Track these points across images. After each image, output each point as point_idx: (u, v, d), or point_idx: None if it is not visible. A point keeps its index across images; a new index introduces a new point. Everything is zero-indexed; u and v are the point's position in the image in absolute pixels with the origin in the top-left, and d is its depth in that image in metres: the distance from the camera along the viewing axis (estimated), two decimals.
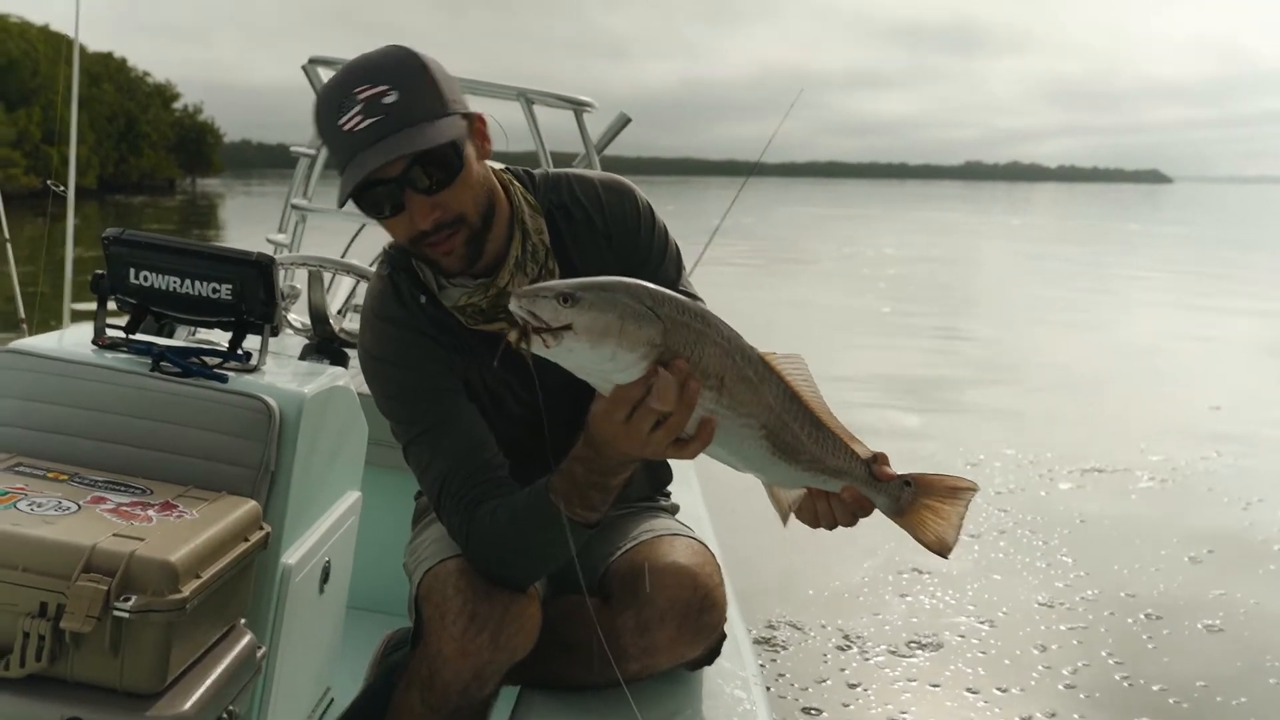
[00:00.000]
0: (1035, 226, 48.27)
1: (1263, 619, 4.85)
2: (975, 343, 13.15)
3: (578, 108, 4.05)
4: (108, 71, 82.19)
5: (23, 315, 4.11)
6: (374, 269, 2.13)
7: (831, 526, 1.79)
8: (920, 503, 1.76)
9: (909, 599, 4.93)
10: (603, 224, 2.07)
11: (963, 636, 4.56)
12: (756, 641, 4.37)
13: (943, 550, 1.77)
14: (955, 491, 1.77)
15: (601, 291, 1.54)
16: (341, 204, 1.84)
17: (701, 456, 1.71)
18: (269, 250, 3.87)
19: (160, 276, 2.11)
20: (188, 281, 2.10)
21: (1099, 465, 7.37)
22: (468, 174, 1.86)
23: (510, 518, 1.86)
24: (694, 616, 1.98)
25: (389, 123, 1.78)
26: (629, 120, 4.18)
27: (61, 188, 2.84)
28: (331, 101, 1.83)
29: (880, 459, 1.75)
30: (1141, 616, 4.83)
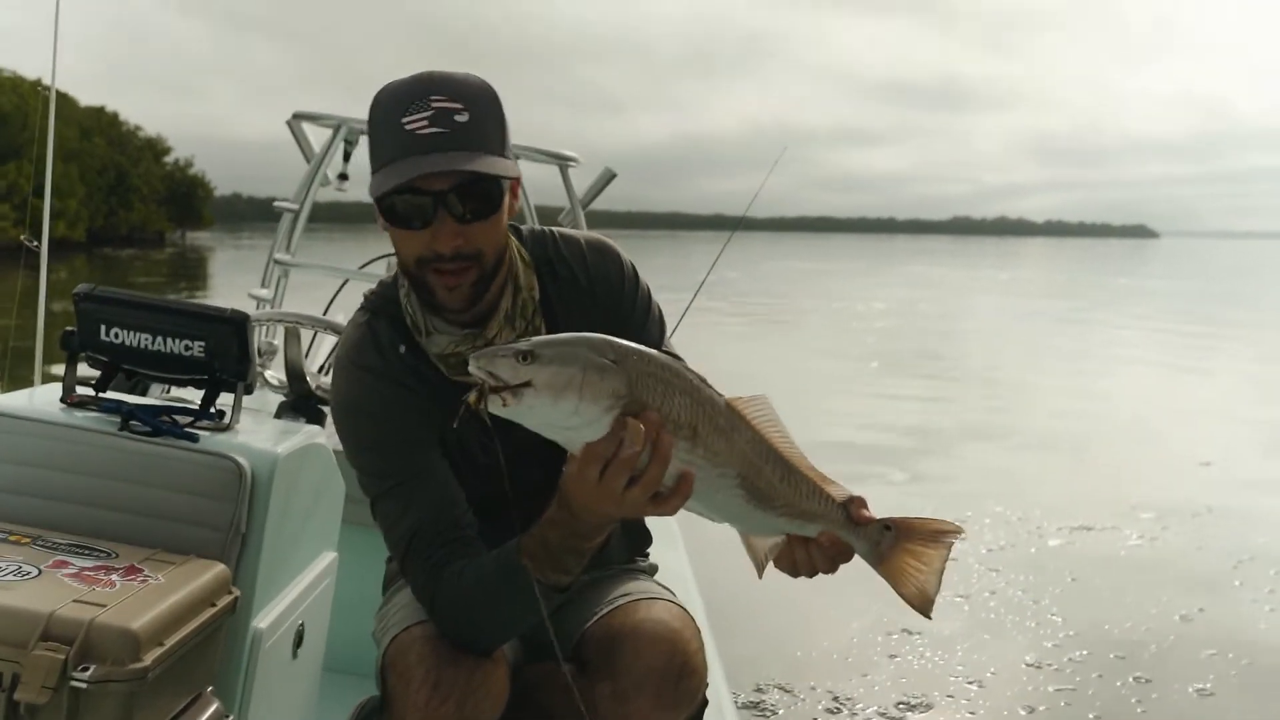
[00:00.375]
0: (1023, 281, 48.46)
1: (1255, 683, 4.76)
2: (963, 398, 13.13)
3: (562, 162, 4.04)
4: (99, 125, 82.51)
5: None
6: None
7: (812, 574, 1.74)
8: (901, 547, 1.69)
9: (898, 659, 4.87)
10: (587, 282, 2.05)
11: (951, 697, 4.50)
12: (745, 706, 4.30)
13: (924, 605, 1.70)
14: (938, 535, 1.70)
15: (561, 346, 1.51)
16: (374, 195, 1.82)
17: (683, 513, 1.67)
18: (251, 305, 3.83)
19: (131, 333, 2.06)
20: (159, 339, 2.06)
21: (1088, 523, 7.32)
22: (500, 217, 1.86)
23: (478, 579, 1.81)
24: (672, 683, 1.91)
25: (453, 138, 1.77)
26: (614, 175, 4.17)
27: (36, 243, 2.80)
28: (402, 98, 1.80)
29: (857, 502, 1.70)
30: (1130, 680, 4.75)
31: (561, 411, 1.49)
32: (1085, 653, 5.03)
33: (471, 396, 1.49)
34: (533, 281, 2.00)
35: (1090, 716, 4.39)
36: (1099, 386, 14.57)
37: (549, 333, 1.97)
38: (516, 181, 1.92)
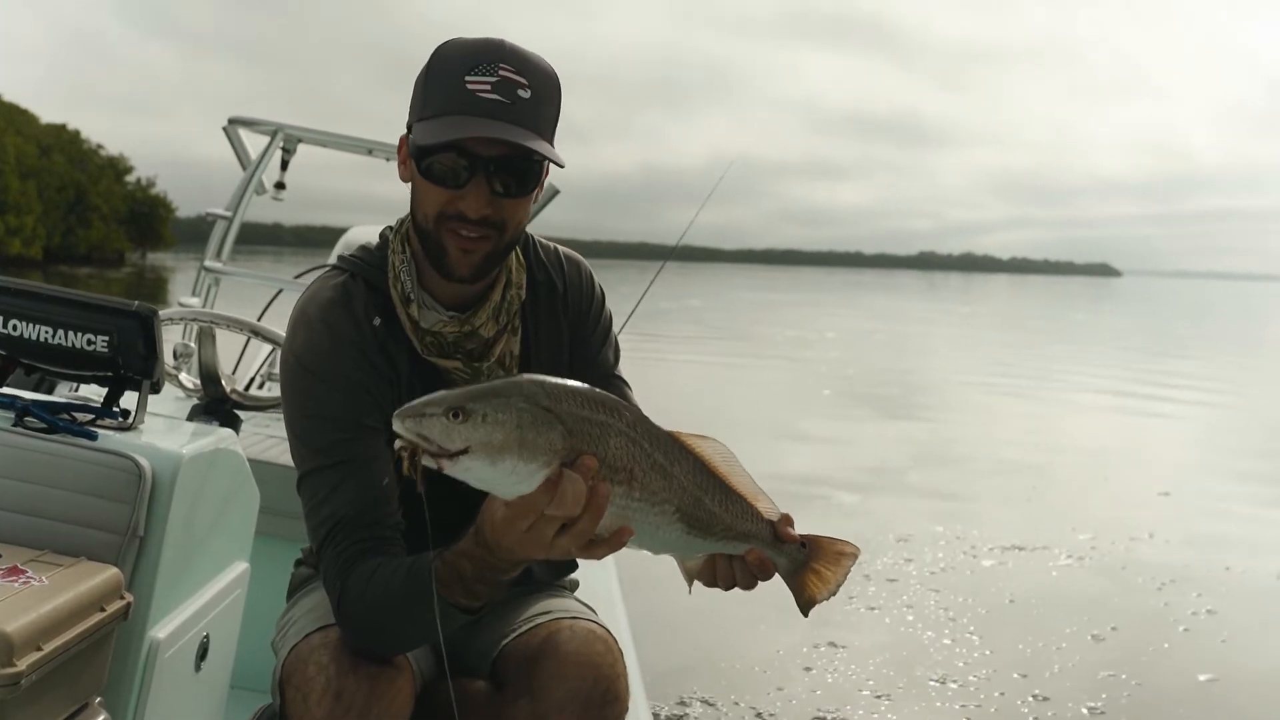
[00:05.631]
0: (982, 315, 48.83)
1: (1142, 704, 4.84)
2: (917, 427, 13.12)
3: None
4: (59, 143, 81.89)
5: None
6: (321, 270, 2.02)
7: (729, 588, 1.71)
8: (809, 565, 1.71)
9: (813, 672, 4.91)
10: (562, 290, 2.03)
11: (862, 713, 4.55)
12: (668, 718, 4.31)
13: (805, 610, 1.74)
14: (840, 557, 1.73)
15: (495, 399, 1.43)
16: (422, 142, 1.77)
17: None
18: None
19: (31, 326, 1.97)
20: (61, 332, 1.96)
21: (1021, 543, 7.40)
22: (530, 199, 1.85)
23: (386, 586, 1.72)
24: (594, 711, 1.83)
25: (512, 111, 1.75)
26: (557, 192, 4.11)
27: None
28: (471, 58, 1.77)
29: (784, 520, 1.69)
30: (1029, 697, 4.81)
31: (499, 472, 1.42)
32: (991, 670, 5.10)
33: (405, 462, 1.42)
34: (523, 281, 1.97)
35: None
36: (1050, 418, 14.60)
37: (524, 335, 1.97)
38: (546, 173, 1.89)
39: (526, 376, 1.50)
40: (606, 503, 1.47)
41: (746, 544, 1.66)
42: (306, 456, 1.85)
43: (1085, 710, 4.71)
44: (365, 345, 1.87)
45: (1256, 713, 4.87)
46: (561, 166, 1.83)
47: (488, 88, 1.75)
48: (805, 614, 1.75)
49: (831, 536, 1.73)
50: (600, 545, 1.51)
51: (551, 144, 1.83)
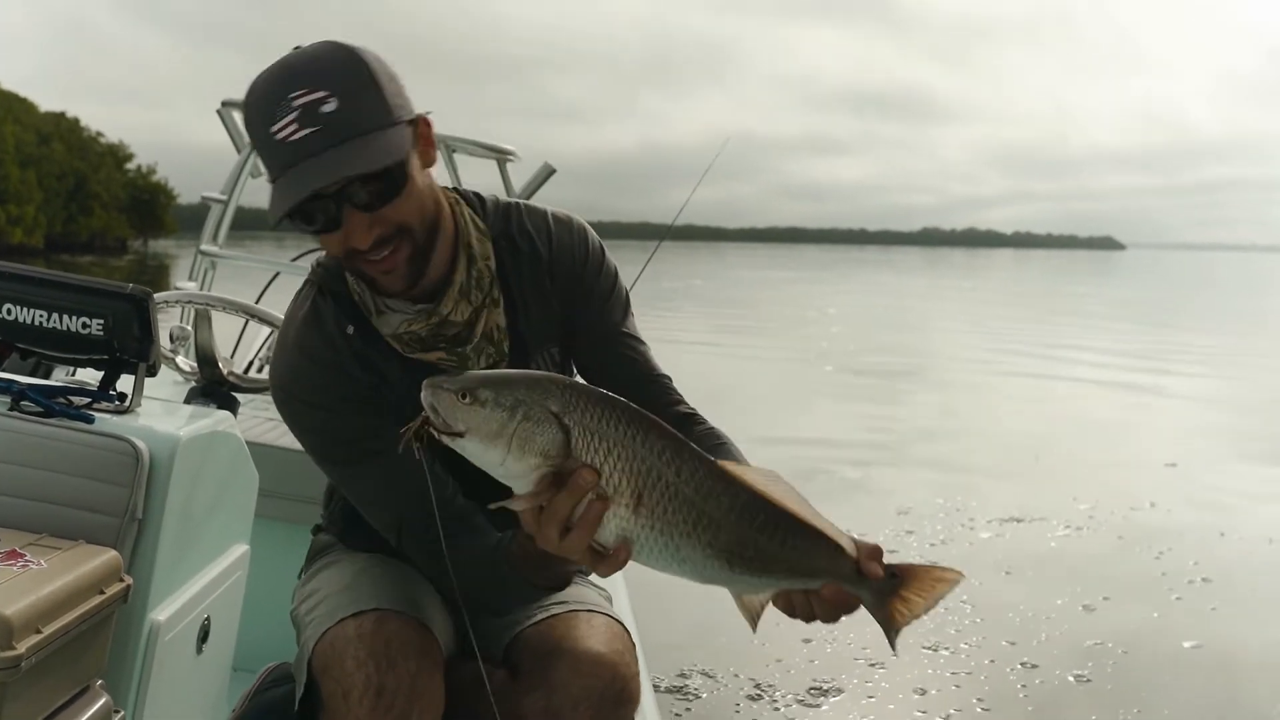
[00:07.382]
0: (984, 290, 48.76)
1: (1126, 671, 4.90)
2: (919, 401, 13.12)
3: (500, 156, 3.96)
4: (59, 131, 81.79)
5: None
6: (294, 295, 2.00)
7: (809, 620, 1.61)
8: (898, 594, 1.58)
9: (811, 644, 4.97)
10: (548, 257, 1.97)
11: (857, 681, 4.64)
12: (669, 690, 4.38)
13: (892, 641, 1.59)
14: (936, 584, 1.58)
15: (504, 391, 1.43)
16: (274, 224, 1.71)
17: None
18: None
19: (25, 310, 1.97)
20: (55, 315, 1.96)
21: (1020, 515, 7.45)
22: (411, 187, 1.73)
23: (477, 573, 1.84)
24: (609, 708, 1.83)
25: (328, 135, 1.64)
26: (553, 171, 4.09)
27: None
28: (264, 106, 1.67)
29: (873, 552, 1.55)
30: (1018, 665, 4.90)
31: (490, 461, 1.45)
32: (981, 638, 5.17)
33: (412, 426, 1.47)
34: (488, 250, 1.90)
35: (974, 700, 4.52)
36: (1054, 391, 14.56)
37: (507, 306, 1.92)
38: (425, 127, 1.78)
39: (557, 377, 1.49)
40: (598, 521, 1.44)
41: (817, 580, 1.57)
42: (330, 471, 1.94)
43: (1071, 678, 4.78)
44: (341, 362, 1.87)
45: (1237, 678, 4.92)
46: (402, 154, 1.70)
47: (293, 128, 1.64)
48: (893, 647, 1.59)
49: (929, 565, 1.59)
50: (603, 561, 1.48)
51: (391, 115, 1.70)
